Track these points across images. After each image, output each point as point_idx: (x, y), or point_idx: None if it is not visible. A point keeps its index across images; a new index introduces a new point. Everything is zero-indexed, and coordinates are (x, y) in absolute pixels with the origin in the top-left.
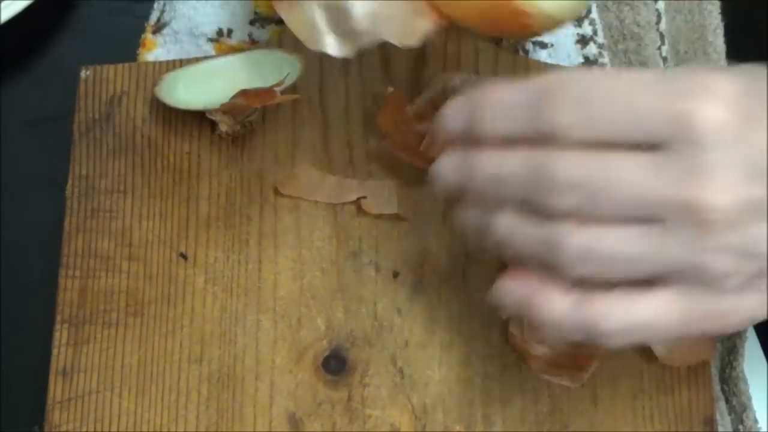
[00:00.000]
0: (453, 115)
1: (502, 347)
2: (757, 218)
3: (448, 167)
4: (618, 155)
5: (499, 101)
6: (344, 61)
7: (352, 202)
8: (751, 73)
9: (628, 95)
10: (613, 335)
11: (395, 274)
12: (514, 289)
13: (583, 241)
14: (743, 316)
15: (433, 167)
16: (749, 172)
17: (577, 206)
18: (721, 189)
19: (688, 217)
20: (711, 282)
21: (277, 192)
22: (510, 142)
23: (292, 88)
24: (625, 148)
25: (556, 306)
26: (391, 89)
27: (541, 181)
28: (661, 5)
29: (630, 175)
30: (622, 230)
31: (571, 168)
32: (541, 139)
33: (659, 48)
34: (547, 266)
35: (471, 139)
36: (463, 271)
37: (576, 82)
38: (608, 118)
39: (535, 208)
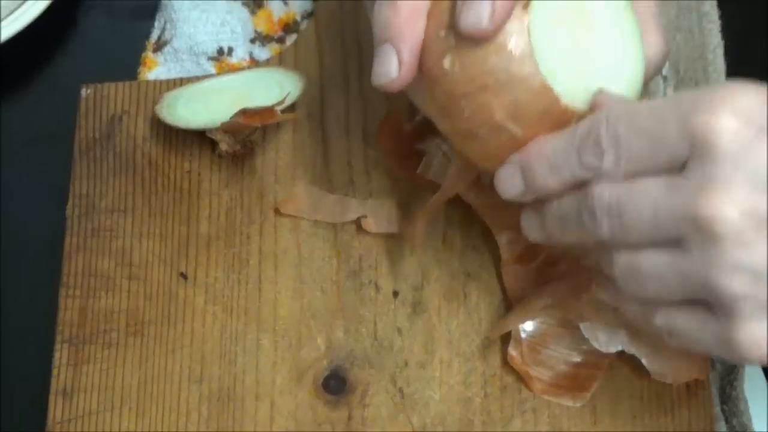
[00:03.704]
0: (508, 183)
1: (502, 367)
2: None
3: (529, 227)
4: (644, 180)
5: (544, 157)
6: (344, 81)
7: (352, 222)
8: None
9: (649, 125)
10: (662, 334)
11: (395, 294)
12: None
13: (622, 262)
14: (761, 348)
15: (522, 228)
16: (759, 185)
17: (611, 231)
18: (728, 201)
19: (700, 232)
20: (726, 306)
21: (277, 211)
22: (564, 184)
23: (293, 107)
24: (657, 173)
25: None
26: (389, 108)
27: (586, 213)
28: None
29: (651, 197)
30: (652, 252)
31: (603, 197)
32: (586, 178)
33: None
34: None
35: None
36: (463, 290)
37: (602, 124)
38: (635, 153)
39: (592, 237)
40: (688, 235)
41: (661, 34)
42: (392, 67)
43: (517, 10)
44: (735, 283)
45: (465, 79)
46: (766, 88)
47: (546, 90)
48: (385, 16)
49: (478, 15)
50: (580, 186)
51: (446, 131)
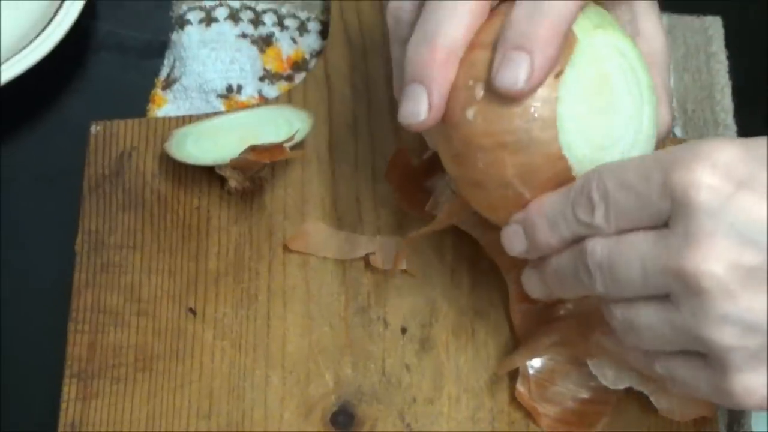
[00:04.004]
0: (513, 241)
1: (510, 403)
2: (755, 288)
3: (529, 285)
4: (633, 234)
5: (543, 215)
6: (353, 118)
7: (360, 258)
8: (760, 140)
9: (635, 181)
10: (668, 380)
11: (403, 330)
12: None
13: (619, 315)
14: (756, 397)
15: (524, 285)
16: (741, 238)
17: (605, 286)
18: (712, 256)
19: (686, 287)
20: (718, 358)
21: (286, 248)
22: (563, 241)
23: (302, 145)
24: (644, 227)
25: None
26: (399, 145)
27: (581, 269)
28: None
29: (639, 251)
30: (645, 306)
31: (595, 252)
32: (582, 234)
33: None
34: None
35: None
36: (472, 327)
37: (593, 180)
38: (623, 208)
39: (590, 292)
40: (676, 289)
41: (669, 105)
42: (422, 108)
43: (549, 78)
44: (725, 336)
45: (485, 132)
46: (746, 142)
47: (561, 159)
48: (421, 56)
49: (515, 75)
50: (578, 242)
51: (454, 176)
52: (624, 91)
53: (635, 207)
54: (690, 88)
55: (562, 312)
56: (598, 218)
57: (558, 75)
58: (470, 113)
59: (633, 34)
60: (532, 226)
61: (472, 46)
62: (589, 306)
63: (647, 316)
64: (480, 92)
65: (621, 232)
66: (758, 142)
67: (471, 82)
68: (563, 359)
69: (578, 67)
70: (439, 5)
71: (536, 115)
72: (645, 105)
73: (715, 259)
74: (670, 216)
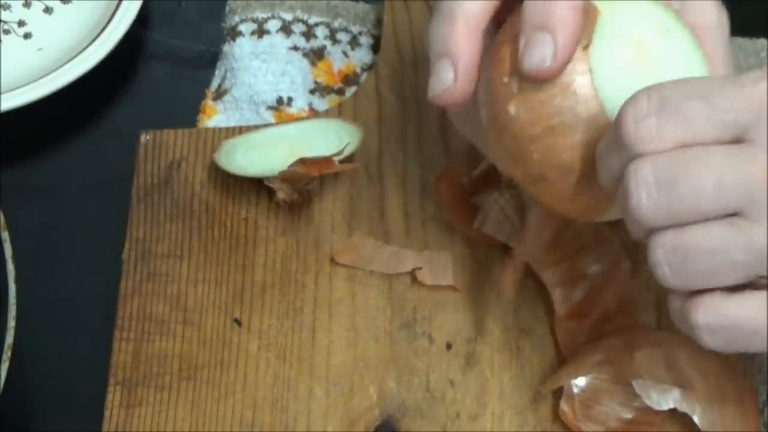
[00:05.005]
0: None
1: (554, 422)
2: None
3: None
4: (698, 148)
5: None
6: (402, 133)
7: (407, 273)
8: None
9: (702, 93)
10: (707, 332)
11: (448, 346)
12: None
13: (669, 244)
14: None
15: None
16: None
17: (655, 207)
18: None
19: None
20: None
21: (333, 261)
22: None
23: (351, 158)
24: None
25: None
26: (448, 161)
27: (628, 183)
28: None
29: (709, 163)
30: (706, 228)
31: (644, 169)
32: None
33: None
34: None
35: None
36: (516, 343)
37: (670, 95)
38: (690, 121)
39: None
40: (758, 203)
41: (730, 66)
42: (449, 76)
43: (578, 52)
44: None
45: (531, 122)
46: None
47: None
48: (442, 31)
49: (541, 54)
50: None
51: (518, 178)
52: (663, 53)
53: (709, 124)
54: None
55: (608, 330)
56: (655, 130)
57: (586, 47)
58: (512, 109)
59: (680, 9)
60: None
61: (498, 44)
62: (635, 324)
63: (713, 239)
64: (515, 85)
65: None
66: None
67: (505, 79)
68: (608, 378)
69: (607, 37)
70: None
71: (575, 89)
72: (693, 63)
73: None
74: (749, 129)
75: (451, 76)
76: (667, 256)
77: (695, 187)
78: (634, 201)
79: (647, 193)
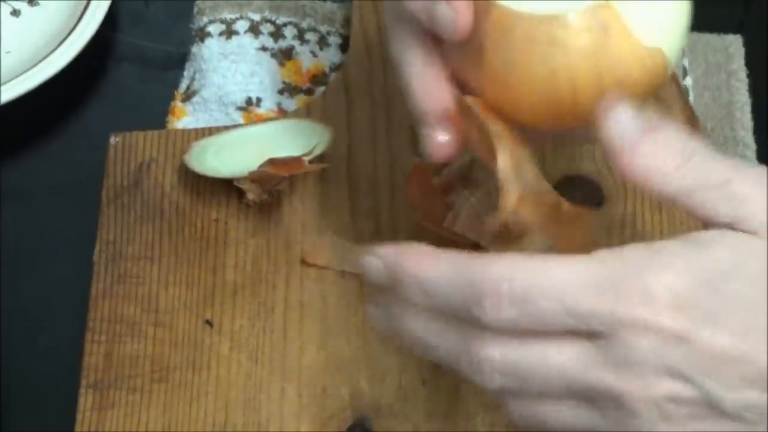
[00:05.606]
0: (374, 269)
1: None
2: (695, 420)
3: (376, 317)
4: (548, 342)
5: (424, 279)
6: (372, 132)
7: None
8: (697, 262)
9: (566, 297)
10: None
11: None
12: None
13: (521, 410)
14: None
15: (365, 311)
16: (674, 373)
17: (503, 385)
18: (645, 386)
19: (621, 406)
20: None
21: (303, 261)
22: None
23: (320, 158)
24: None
25: None
26: (417, 160)
27: (471, 363)
28: (689, 81)
29: (557, 360)
30: (556, 404)
31: (494, 358)
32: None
33: None
34: None
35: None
36: None
37: (511, 280)
38: (542, 318)
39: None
40: (606, 403)
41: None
42: (442, 138)
43: None
44: None
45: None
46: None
47: None
48: (410, 92)
49: None
50: (459, 325)
51: (491, 86)
52: None
53: (559, 321)
54: (710, 106)
55: None
56: (505, 322)
57: None
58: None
59: None
60: (402, 276)
61: None
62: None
63: (560, 413)
64: None
65: (525, 334)
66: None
67: None
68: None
69: None
70: None
71: None
72: None
73: (646, 389)
74: (601, 335)
75: (443, 137)
76: (520, 418)
77: (542, 381)
78: (486, 380)
79: (501, 376)
